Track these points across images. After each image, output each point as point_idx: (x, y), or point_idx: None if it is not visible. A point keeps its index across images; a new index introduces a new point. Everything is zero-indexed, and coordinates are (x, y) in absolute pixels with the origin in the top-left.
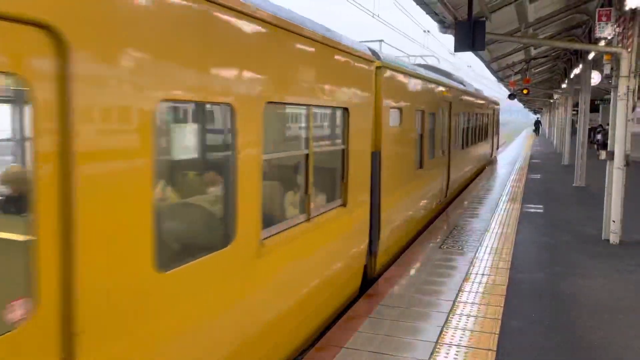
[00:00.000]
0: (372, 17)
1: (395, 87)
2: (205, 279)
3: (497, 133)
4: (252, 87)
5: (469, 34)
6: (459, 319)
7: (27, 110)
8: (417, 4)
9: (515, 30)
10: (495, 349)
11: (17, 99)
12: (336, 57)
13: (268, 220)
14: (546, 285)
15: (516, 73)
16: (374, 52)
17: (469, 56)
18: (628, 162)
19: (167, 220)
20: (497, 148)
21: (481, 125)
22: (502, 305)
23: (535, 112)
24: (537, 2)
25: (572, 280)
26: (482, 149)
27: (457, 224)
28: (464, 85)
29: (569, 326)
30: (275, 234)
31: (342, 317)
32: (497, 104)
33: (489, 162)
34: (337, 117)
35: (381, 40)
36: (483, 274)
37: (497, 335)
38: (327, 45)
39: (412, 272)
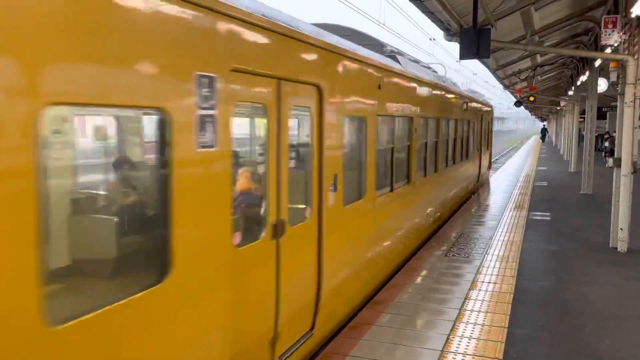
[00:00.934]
0: (378, 25)
1: None
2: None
3: (489, 147)
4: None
5: (474, 42)
6: (465, 327)
7: None
8: (423, 12)
9: (521, 37)
10: (501, 357)
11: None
12: None
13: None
14: (553, 293)
15: (522, 80)
16: None
17: (475, 64)
18: (635, 170)
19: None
20: (489, 167)
21: (458, 138)
22: (509, 313)
23: (542, 120)
24: (543, 9)
25: (579, 288)
26: (458, 174)
27: (463, 232)
28: (402, 65)
29: (575, 334)
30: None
31: (346, 326)
32: (487, 106)
33: (475, 190)
34: None
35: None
36: (489, 282)
37: (503, 344)
38: None
39: (418, 279)
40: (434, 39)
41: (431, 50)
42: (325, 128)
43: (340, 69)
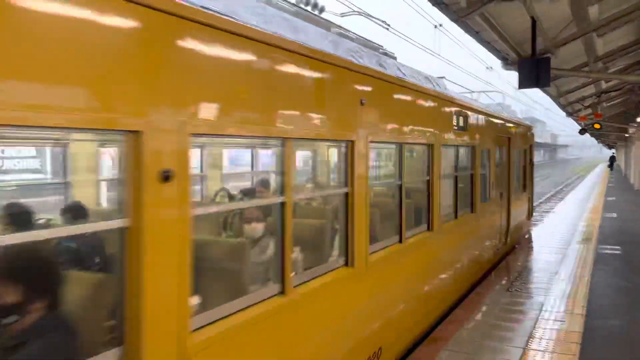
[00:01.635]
0: (432, 55)
1: None
2: None
3: (527, 188)
4: None
5: (533, 71)
6: None
7: None
8: (479, 42)
9: (584, 64)
10: None
11: None
12: None
13: None
14: (626, 333)
15: (586, 107)
16: None
17: (535, 91)
18: None
19: None
20: (530, 217)
21: (446, 178)
22: (577, 354)
23: (609, 147)
24: (607, 35)
25: None
26: (457, 242)
27: (526, 266)
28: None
29: None
30: None
31: None
32: (522, 126)
33: (500, 257)
34: None
35: (442, 77)
36: (555, 320)
37: None
38: None
39: (478, 316)
40: (491, 68)
41: (488, 79)
42: None
43: None
